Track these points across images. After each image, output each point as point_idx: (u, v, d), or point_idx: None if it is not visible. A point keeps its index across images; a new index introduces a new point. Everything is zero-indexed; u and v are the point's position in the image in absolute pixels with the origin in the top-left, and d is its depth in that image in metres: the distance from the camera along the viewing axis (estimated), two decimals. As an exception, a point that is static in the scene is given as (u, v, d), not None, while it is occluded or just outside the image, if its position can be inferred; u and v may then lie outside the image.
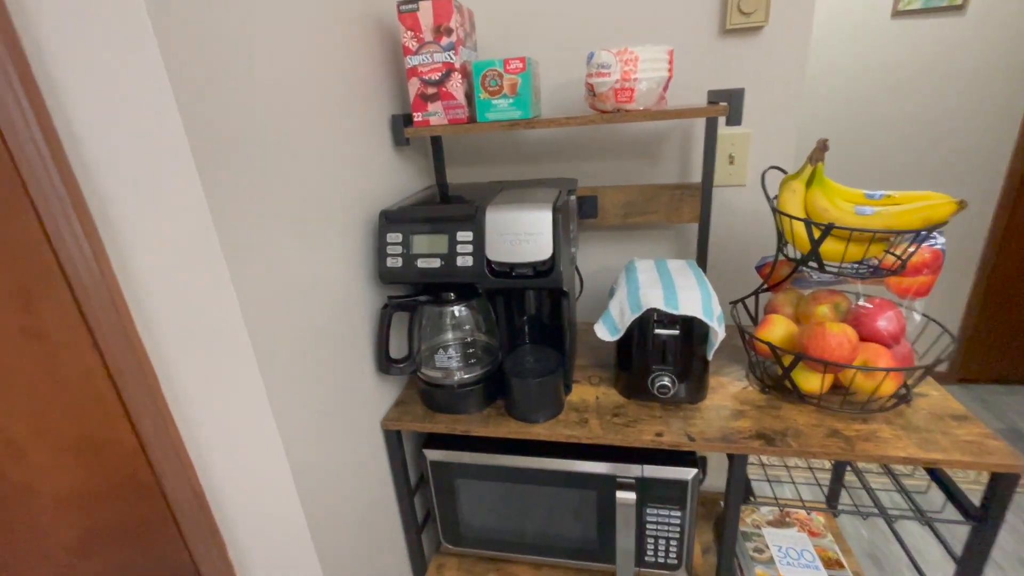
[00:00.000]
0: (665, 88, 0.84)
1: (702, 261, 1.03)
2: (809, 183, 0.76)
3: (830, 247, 0.73)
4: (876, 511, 0.77)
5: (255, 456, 0.65)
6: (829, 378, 0.76)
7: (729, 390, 0.86)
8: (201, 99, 0.51)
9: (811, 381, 0.76)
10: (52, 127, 0.50)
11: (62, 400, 0.62)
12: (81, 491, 0.67)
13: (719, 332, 0.76)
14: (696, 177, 1.08)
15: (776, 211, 0.80)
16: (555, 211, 0.71)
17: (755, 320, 0.95)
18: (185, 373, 0.61)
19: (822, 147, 0.76)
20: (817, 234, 0.73)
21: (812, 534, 1.03)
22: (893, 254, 0.75)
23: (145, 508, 0.68)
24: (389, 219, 0.80)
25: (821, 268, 0.75)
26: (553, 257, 0.72)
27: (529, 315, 0.91)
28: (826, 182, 0.76)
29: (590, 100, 0.89)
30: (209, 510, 0.69)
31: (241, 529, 0.71)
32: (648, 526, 0.86)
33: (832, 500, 1.12)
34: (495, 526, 0.95)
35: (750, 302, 0.95)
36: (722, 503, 1.11)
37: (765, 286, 0.93)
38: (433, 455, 0.91)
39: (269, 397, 0.61)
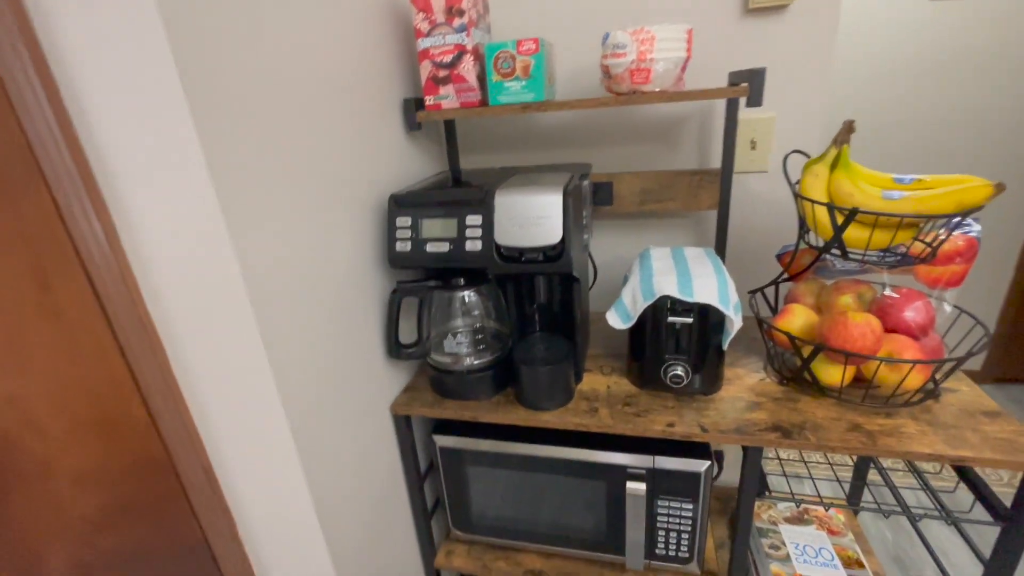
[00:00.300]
0: (683, 69, 0.82)
1: (720, 250, 1.00)
2: (833, 166, 0.73)
3: (855, 234, 0.70)
4: (899, 509, 0.74)
5: (262, 437, 0.65)
6: (851, 370, 0.73)
7: (745, 382, 0.84)
8: (206, 72, 0.51)
9: (832, 373, 0.73)
10: (62, 104, 0.51)
11: (78, 377, 0.63)
12: (98, 467, 0.69)
13: (735, 321, 0.73)
14: (715, 163, 1.04)
15: (798, 196, 0.76)
16: (565, 194, 0.70)
17: (775, 311, 0.92)
18: (193, 352, 0.61)
19: (848, 128, 0.72)
20: (840, 219, 0.69)
21: (831, 532, 1.00)
22: (923, 241, 0.71)
23: (159, 484, 0.69)
24: (398, 203, 0.79)
25: (844, 255, 0.72)
26: (563, 241, 0.70)
27: (540, 302, 0.90)
28: (851, 166, 0.73)
29: (606, 83, 0.87)
30: (219, 488, 0.70)
31: (250, 508, 0.71)
32: (659, 518, 0.84)
33: (853, 498, 1.08)
34: (505, 514, 0.95)
35: (770, 292, 0.92)
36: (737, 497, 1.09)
37: (785, 275, 0.90)
38: (443, 441, 0.91)
39: (275, 379, 0.61)
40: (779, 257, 0.93)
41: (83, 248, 0.56)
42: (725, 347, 0.76)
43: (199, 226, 0.54)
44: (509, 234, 0.72)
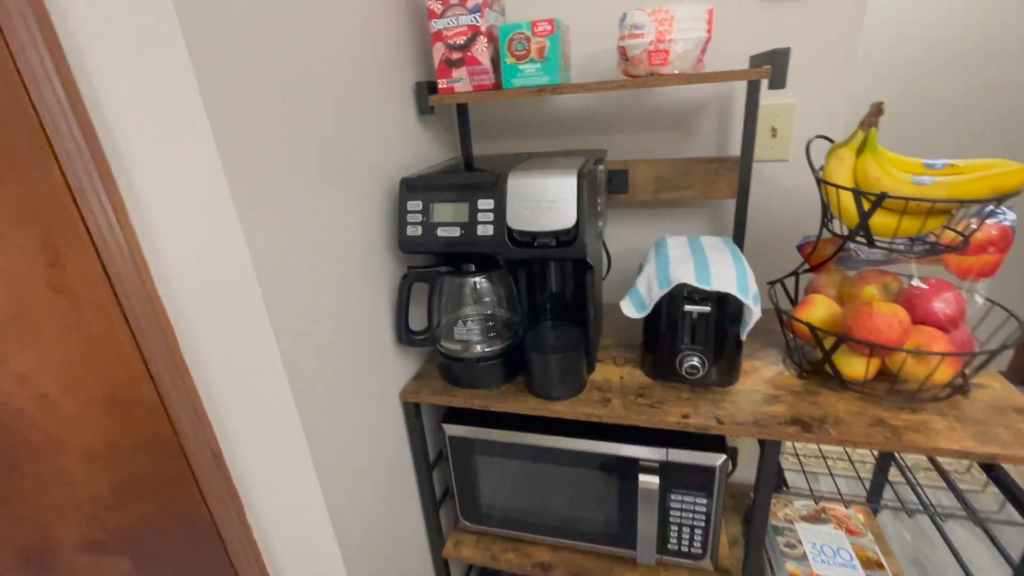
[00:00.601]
0: (703, 51, 0.79)
1: (739, 240, 0.97)
2: (860, 151, 0.70)
3: (881, 221, 0.67)
4: (921, 508, 0.71)
5: (271, 421, 0.65)
6: (875, 363, 0.70)
7: (763, 374, 0.81)
8: (217, 51, 0.50)
9: (854, 366, 0.71)
10: (72, 79, 0.50)
11: (88, 355, 0.63)
12: (108, 445, 0.69)
13: (754, 311, 0.71)
14: (735, 151, 1.01)
15: (821, 181, 0.74)
16: (580, 177, 0.68)
17: (795, 303, 0.89)
18: (202, 333, 0.61)
19: (877, 110, 0.69)
20: (867, 205, 0.66)
21: (850, 532, 0.97)
22: (954, 230, 0.68)
23: (168, 465, 0.69)
24: (409, 186, 0.78)
25: (870, 243, 0.69)
26: (577, 225, 0.68)
27: (552, 290, 0.88)
28: (879, 150, 0.70)
29: (623, 65, 0.84)
30: (227, 471, 0.69)
31: (258, 493, 0.71)
32: (672, 512, 0.82)
33: (874, 496, 1.05)
34: (514, 505, 0.93)
35: (789, 284, 0.89)
36: (752, 494, 1.06)
37: (806, 266, 0.87)
38: (452, 430, 0.90)
39: (284, 362, 0.60)
40: (800, 248, 0.90)
41: (92, 225, 0.55)
42: (743, 337, 0.74)
43: (207, 206, 0.53)
44: (521, 218, 0.70)
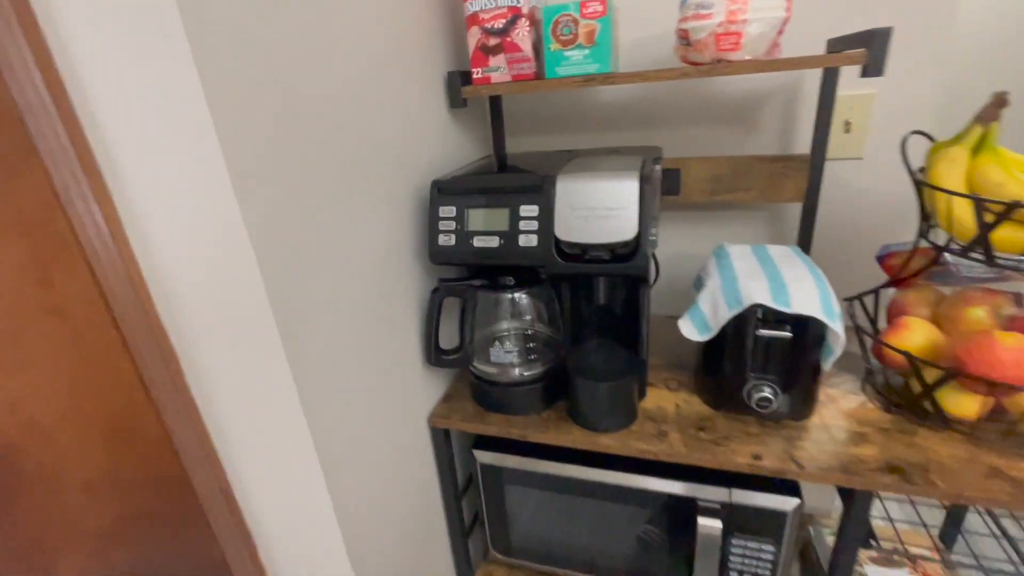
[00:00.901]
0: (780, 32, 0.68)
1: (805, 249, 0.86)
2: (976, 150, 0.59)
3: (1007, 234, 0.56)
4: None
5: (283, 453, 0.57)
6: (988, 402, 0.59)
7: (841, 406, 0.71)
8: (219, 35, 0.42)
9: (964, 404, 0.60)
10: (56, 71, 0.43)
11: (84, 381, 0.56)
12: (110, 477, 0.63)
13: (841, 337, 0.61)
14: (797, 148, 0.91)
15: (923, 185, 0.63)
16: (642, 181, 0.58)
17: (874, 322, 0.78)
18: (208, 357, 0.53)
19: (999, 102, 0.58)
20: (991, 218, 0.55)
21: (927, 578, 0.86)
22: (1092, 245, 0.57)
23: (175, 500, 0.62)
24: (441, 190, 0.69)
25: (990, 260, 0.58)
26: (638, 238, 0.59)
27: (597, 304, 0.79)
28: (1000, 151, 0.59)
29: (682, 51, 0.74)
30: (238, 508, 0.62)
31: (272, 529, 0.64)
32: (732, 559, 0.73)
33: (950, 532, 0.94)
34: (550, 538, 0.85)
35: (868, 299, 0.79)
36: (811, 529, 0.96)
37: (889, 281, 0.76)
38: (484, 457, 0.81)
39: (298, 390, 0.52)
40: (881, 259, 0.79)
41: (83, 236, 0.48)
42: (827, 368, 0.64)
43: (211, 214, 0.45)
44: (572, 228, 0.61)
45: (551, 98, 0.99)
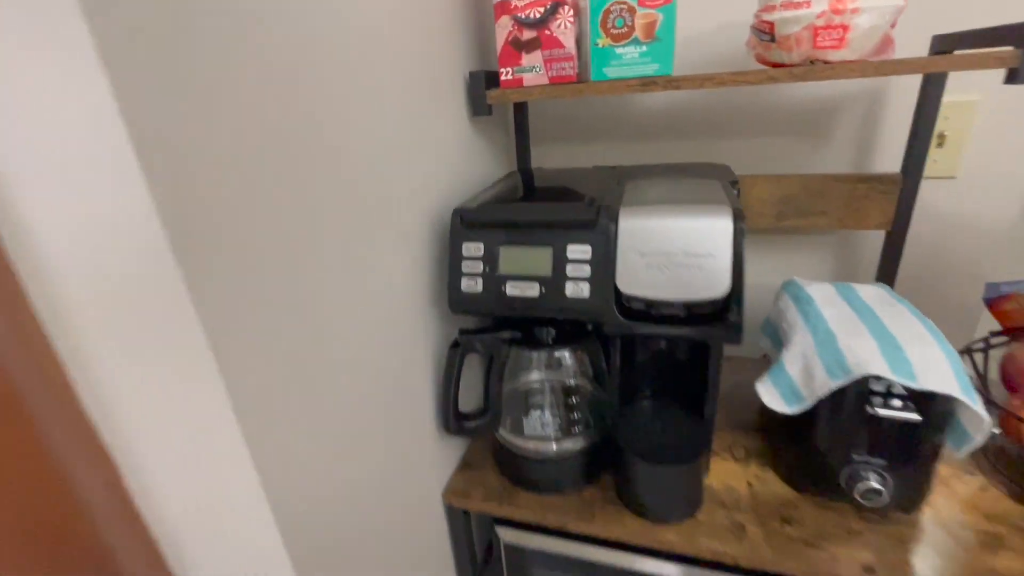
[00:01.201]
0: (893, 25, 0.54)
1: (888, 285, 0.73)
2: None
3: None
4: None
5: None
6: None
7: (956, 491, 0.57)
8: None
9: None
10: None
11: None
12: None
13: (986, 420, 0.47)
14: (874, 165, 0.77)
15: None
16: (736, 219, 0.44)
17: (984, 379, 0.65)
18: (143, 440, 0.39)
19: None
20: None
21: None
22: None
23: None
24: (465, 221, 0.55)
25: None
26: (731, 295, 0.45)
27: (655, 359, 0.65)
28: None
29: (758, 49, 0.60)
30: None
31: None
32: (817, 674, 0.59)
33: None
34: (585, 630, 0.71)
35: (976, 352, 0.65)
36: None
37: (1005, 329, 0.63)
38: (508, 536, 0.68)
39: (268, 500, 0.38)
40: (990, 302, 0.65)
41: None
42: (963, 456, 0.50)
43: (137, 253, 0.31)
44: (639, 279, 0.47)
45: (584, 102, 0.85)
